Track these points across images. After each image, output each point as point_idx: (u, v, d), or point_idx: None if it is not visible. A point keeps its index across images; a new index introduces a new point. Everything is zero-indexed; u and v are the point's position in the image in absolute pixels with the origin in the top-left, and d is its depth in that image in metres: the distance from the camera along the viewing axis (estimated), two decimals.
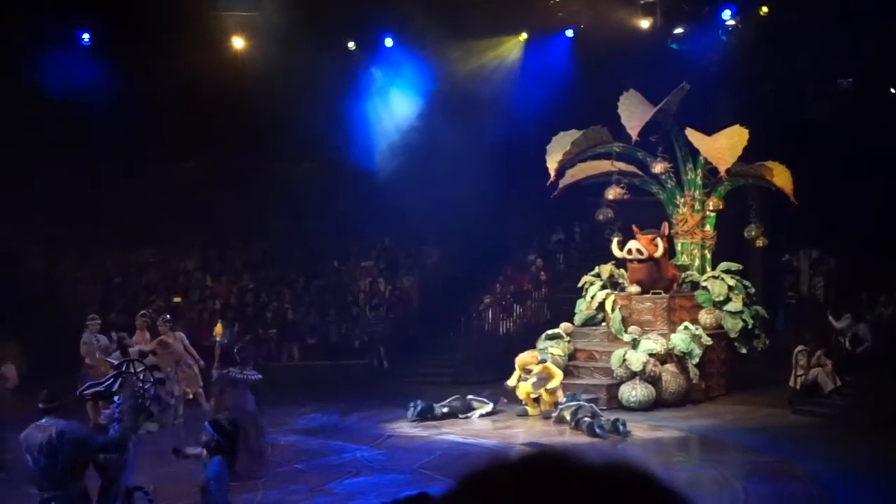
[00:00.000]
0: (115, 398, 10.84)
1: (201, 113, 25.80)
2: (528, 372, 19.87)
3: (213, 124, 26.45)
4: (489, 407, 20.04)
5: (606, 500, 1.30)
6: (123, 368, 11.24)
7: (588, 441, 17.23)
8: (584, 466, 1.35)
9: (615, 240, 22.03)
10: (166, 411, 18.55)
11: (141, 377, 11.27)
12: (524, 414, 19.79)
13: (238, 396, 14.69)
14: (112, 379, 11.18)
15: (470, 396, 20.29)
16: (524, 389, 19.80)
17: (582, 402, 18.68)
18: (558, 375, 19.77)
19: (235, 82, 25.41)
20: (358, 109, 27.57)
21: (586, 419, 17.90)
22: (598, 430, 17.56)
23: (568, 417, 18.45)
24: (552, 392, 19.48)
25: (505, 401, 20.27)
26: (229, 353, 15.55)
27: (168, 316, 20.67)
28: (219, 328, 19.23)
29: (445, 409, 19.85)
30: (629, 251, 21.49)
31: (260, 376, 15.00)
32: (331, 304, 27.38)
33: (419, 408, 19.57)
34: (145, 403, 11.14)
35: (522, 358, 20.31)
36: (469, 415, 19.80)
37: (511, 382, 20.10)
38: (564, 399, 19.06)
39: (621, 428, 17.76)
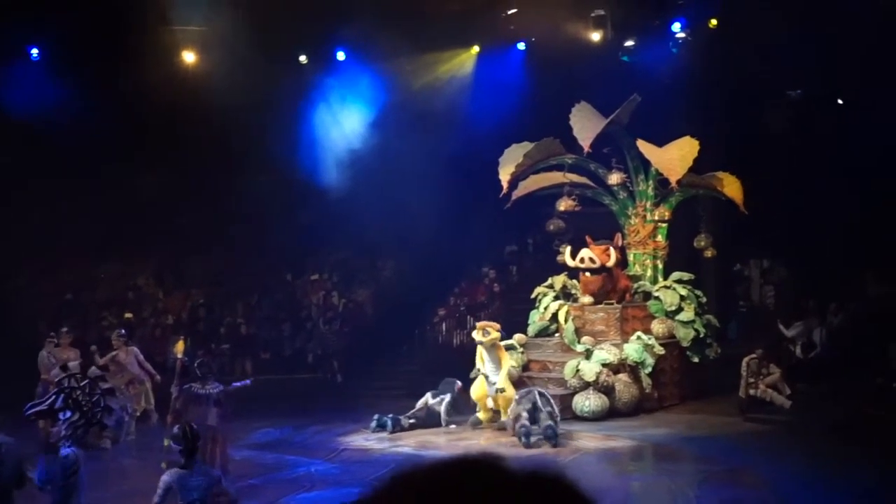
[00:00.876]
0: (60, 415, 10.70)
1: (155, 128, 25.67)
2: (487, 335, 19.73)
3: (168, 139, 26.29)
4: (448, 397, 19.99)
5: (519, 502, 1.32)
6: (65, 384, 11.10)
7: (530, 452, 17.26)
8: (501, 472, 1.36)
9: (567, 249, 22.10)
10: (120, 425, 18.45)
11: (87, 390, 11.13)
12: (477, 423, 19.76)
13: (200, 412, 14.58)
14: (53, 396, 11.03)
15: (430, 398, 20.24)
16: (480, 391, 19.68)
17: (534, 401, 18.40)
18: (506, 357, 19.83)
19: (189, 97, 25.28)
20: (312, 123, 27.55)
21: (522, 426, 17.98)
22: (527, 440, 17.75)
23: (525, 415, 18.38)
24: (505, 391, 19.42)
25: (460, 384, 20.21)
26: (188, 369, 15.44)
27: (123, 331, 20.54)
28: (180, 345, 19.05)
29: (412, 420, 19.82)
30: (581, 260, 21.58)
31: (222, 388, 14.90)
32: (285, 319, 27.28)
33: (388, 425, 19.53)
34: (95, 417, 11.00)
35: (484, 321, 20.47)
36: (447, 424, 19.75)
37: (478, 335, 19.97)
38: (517, 397, 18.91)
39: (552, 436, 17.77)
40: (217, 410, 14.71)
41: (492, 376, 19.66)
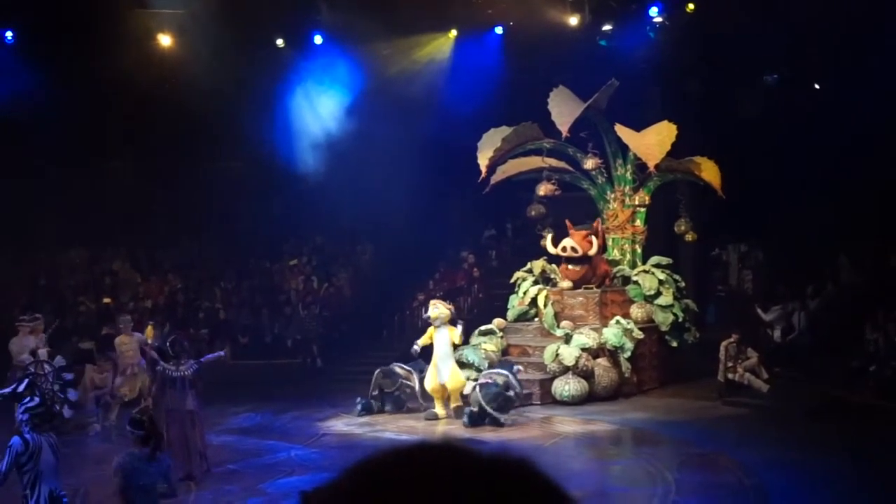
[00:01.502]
0: (24, 400, 10.68)
1: (131, 112, 25.52)
2: (436, 309, 19.11)
3: (143, 123, 26.16)
4: (416, 379, 19.63)
5: (483, 488, 1.30)
6: (31, 370, 11.13)
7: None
8: (462, 457, 1.34)
9: (549, 236, 22.08)
10: (87, 414, 18.33)
11: (51, 379, 11.14)
12: (433, 417, 19.01)
13: (177, 396, 14.47)
14: (16, 381, 11.04)
15: (395, 366, 20.08)
16: (433, 382, 19.01)
17: (477, 400, 18.31)
18: (457, 336, 19.24)
19: (164, 81, 25.14)
20: (288, 108, 27.43)
21: (467, 410, 18.16)
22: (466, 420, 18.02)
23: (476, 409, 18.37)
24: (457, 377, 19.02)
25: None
26: (162, 352, 15.35)
27: (128, 317, 20.31)
28: (150, 331, 18.98)
29: (398, 392, 19.71)
30: (563, 248, 21.58)
31: (196, 366, 14.78)
32: (263, 304, 27.21)
33: (372, 407, 19.50)
34: (54, 406, 10.98)
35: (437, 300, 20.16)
36: (422, 397, 19.43)
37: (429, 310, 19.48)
38: (475, 384, 18.61)
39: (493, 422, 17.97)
40: (193, 392, 14.62)
41: (442, 363, 19.01)
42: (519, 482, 1.33)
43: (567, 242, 21.50)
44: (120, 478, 9.13)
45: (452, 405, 19.11)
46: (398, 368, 20.00)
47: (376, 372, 20.10)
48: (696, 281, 25.35)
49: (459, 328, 19.26)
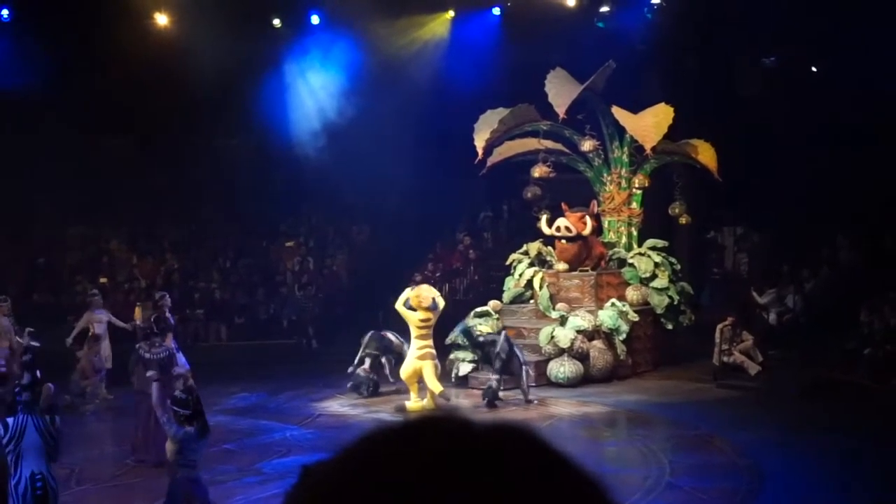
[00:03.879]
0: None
1: (129, 90, 25.45)
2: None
3: (141, 102, 26.08)
4: (405, 346, 19.33)
5: (487, 460, 1.31)
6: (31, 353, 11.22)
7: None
8: (467, 429, 1.35)
9: (544, 217, 22.10)
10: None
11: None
12: (402, 409, 17.96)
13: (144, 378, 14.29)
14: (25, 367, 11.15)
15: (389, 333, 20.03)
16: (412, 367, 18.19)
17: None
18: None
19: (162, 60, 25.07)
20: (285, 87, 27.39)
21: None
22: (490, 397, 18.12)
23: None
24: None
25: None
26: (146, 333, 15.23)
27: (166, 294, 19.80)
28: (138, 311, 18.85)
29: (372, 374, 19.64)
30: (557, 228, 21.59)
31: (167, 353, 14.57)
32: (259, 284, 27.22)
33: (366, 388, 19.46)
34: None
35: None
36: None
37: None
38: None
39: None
40: (157, 376, 14.29)
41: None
42: (526, 451, 1.34)
43: (561, 222, 21.51)
44: (174, 452, 9.31)
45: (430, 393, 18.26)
46: (392, 336, 19.98)
47: (369, 341, 20.04)
48: (692, 263, 25.35)
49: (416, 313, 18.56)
